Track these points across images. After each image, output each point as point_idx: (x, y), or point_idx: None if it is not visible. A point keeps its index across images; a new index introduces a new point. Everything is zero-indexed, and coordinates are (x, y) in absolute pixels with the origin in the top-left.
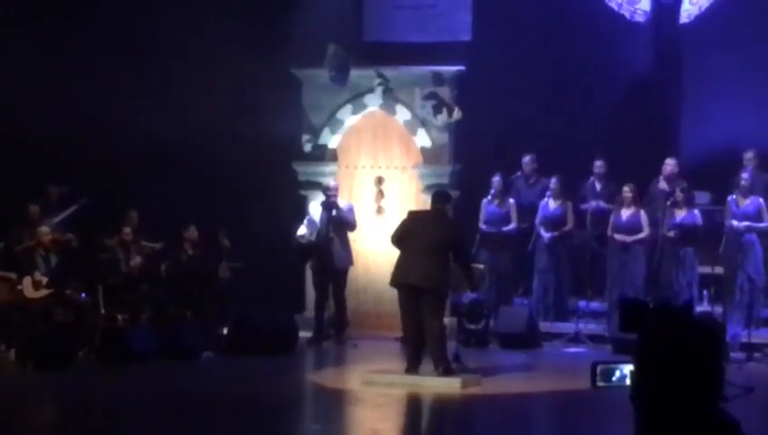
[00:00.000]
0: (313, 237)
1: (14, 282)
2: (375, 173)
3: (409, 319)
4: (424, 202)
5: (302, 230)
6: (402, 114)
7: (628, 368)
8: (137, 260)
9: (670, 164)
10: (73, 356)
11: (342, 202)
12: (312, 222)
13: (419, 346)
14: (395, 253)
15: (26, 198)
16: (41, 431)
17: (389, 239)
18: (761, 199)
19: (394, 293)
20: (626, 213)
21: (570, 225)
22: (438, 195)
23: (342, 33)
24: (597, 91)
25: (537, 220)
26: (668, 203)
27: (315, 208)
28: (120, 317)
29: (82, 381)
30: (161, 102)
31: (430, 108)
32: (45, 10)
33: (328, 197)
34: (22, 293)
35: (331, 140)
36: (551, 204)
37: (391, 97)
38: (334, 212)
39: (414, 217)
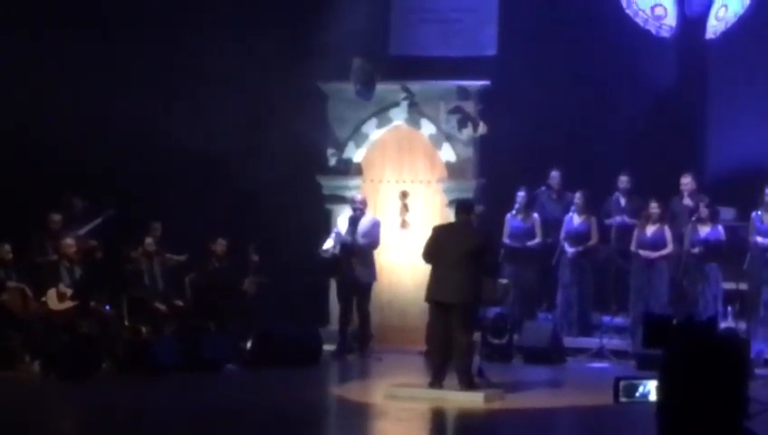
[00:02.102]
0: (337, 250)
1: (29, 294)
2: (400, 187)
3: (438, 334)
4: (448, 216)
5: (329, 244)
6: (427, 128)
7: (651, 384)
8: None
9: (686, 182)
10: (97, 368)
11: (367, 217)
12: (339, 235)
13: (445, 360)
14: (419, 267)
15: (46, 207)
16: None
17: (421, 256)
18: None
19: (418, 307)
20: (651, 229)
21: (594, 240)
22: (461, 206)
23: (368, 47)
24: (622, 106)
25: (561, 235)
26: (693, 219)
27: (343, 222)
28: (143, 329)
29: (106, 393)
30: (187, 115)
31: (455, 122)
32: (73, 23)
33: (354, 210)
34: (46, 304)
35: (356, 154)
36: (575, 219)
37: (416, 111)
38: (351, 237)
39: (440, 231)
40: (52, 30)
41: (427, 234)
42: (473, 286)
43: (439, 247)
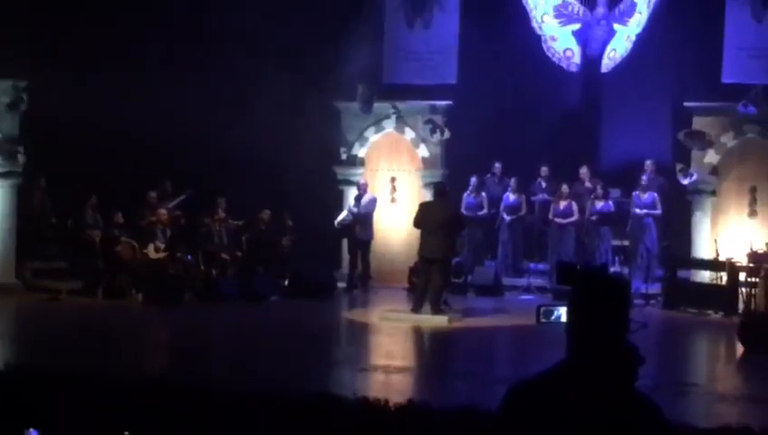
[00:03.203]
0: (350, 219)
1: (136, 247)
2: (390, 175)
3: (422, 277)
4: (423, 194)
5: (342, 215)
6: (409, 134)
7: (562, 309)
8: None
9: (583, 172)
10: (181, 298)
11: (368, 195)
12: (349, 208)
13: (424, 295)
14: (404, 230)
15: (146, 188)
16: (159, 349)
17: (412, 224)
18: (655, 194)
19: (404, 257)
20: (562, 203)
21: (523, 211)
22: (437, 189)
23: (368, 78)
24: (543, 118)
25: (501, 208)
26: (592, 196)
27: (351, 200)
28: (213, 271)
29: (188, 315)
30: (243, 123)
31: (428, 130)
32: (163, 62)
33: (359, 190)
34: (147, 254)
35: (360, 151)
36: (511, 196)
37: (401, 122)
38: (356, 209)
39: (423, 207)
40: (153, 62)
41: (410, 207)
42: (448, 246)
43: (423, 218)
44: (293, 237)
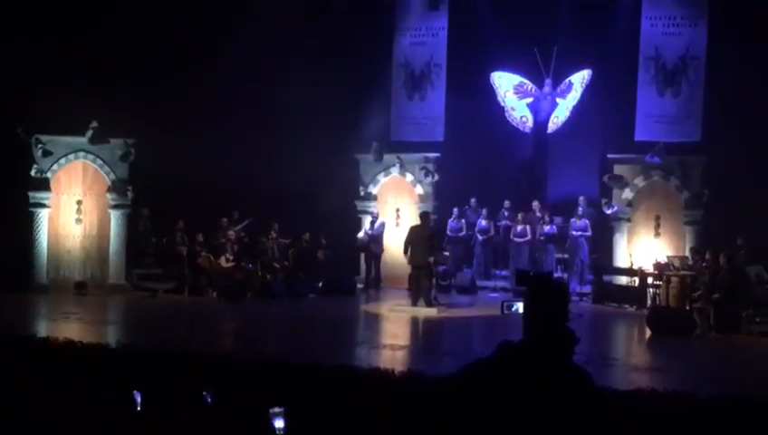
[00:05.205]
0: (366, 238)
1: (212, 259)
2: (395, 206)
3: (414, 280)
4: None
5: (361, 234)
6: (409, 177)
7: (520, 304)
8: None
9: (535, 204)
10: (245, 296)
11: (379, 220)
12: (365, 230)
13: (418, 293)
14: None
15: (219, 215)
16: (228, 333)
17: (404, 242)
18: (587, 220)
19: (406, 266)
20: (519, 227)
21: (492, 233)
22: (422, 215)
23: (380, 136)
24: (506, 165)
25: (476, 230)
26: (541, 222)
27: (366, 224)
28: (268, 276)
29: (250, 308)
30: (289, 167)
31: (423, 174)
32: (238, 125)
33: (372, 217)
34: (219, 264)
35: (374, 190)
36: (483, 222)
37: (404, 168)
38: (371, 231)
39: (412, 229)
40: (223, 122)
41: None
42: (429, 257)
43: (412, 237)
44: (326, 252)
